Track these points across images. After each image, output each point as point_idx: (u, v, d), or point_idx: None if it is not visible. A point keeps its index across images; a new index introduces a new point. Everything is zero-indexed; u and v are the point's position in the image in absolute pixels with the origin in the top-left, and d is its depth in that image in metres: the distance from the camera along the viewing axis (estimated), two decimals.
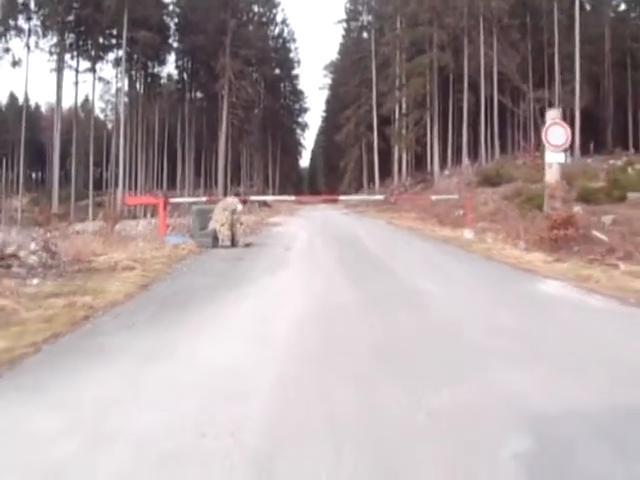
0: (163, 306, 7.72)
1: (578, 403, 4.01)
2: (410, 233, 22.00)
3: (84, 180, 70.32)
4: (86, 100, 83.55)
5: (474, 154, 52.46)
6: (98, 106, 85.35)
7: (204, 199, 23.88)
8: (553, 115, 14.96)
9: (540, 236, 13.19)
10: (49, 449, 3.37)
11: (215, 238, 15.48)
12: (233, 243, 15.56)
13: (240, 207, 16.14)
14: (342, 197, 46.50)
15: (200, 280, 10.19)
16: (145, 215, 30.14)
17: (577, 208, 17.56)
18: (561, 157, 14.28)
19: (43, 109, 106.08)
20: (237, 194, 23.39)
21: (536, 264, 11.18)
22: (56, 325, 6.55)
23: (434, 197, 30.69)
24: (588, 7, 65.13)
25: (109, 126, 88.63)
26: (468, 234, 17.23)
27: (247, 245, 16.00)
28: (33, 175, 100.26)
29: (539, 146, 28.96)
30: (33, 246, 11.34)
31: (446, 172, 47.69)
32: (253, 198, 29.27)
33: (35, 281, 8.94)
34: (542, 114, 40.96)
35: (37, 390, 4.39)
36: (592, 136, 66.76)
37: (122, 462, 3.19)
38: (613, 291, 8.23)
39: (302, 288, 9.39)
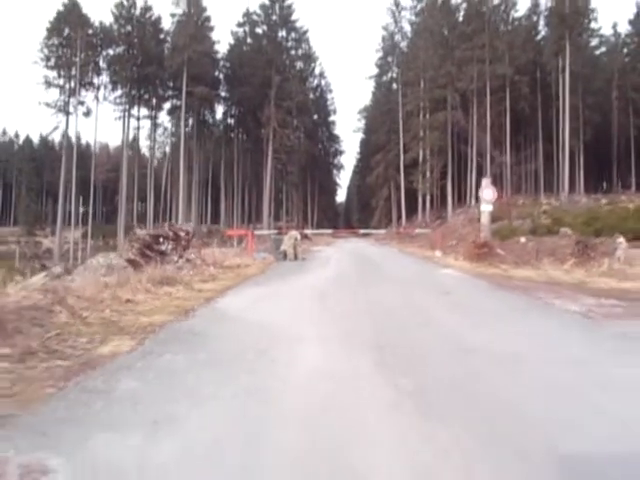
0: (276, 276, 18.90)
1: (410, 291, 14.92)
2: (406, 254, 33.59)
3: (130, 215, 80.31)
4: (134, 139, 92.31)
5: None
6: (145, 145, 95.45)
7: (276, 231, 34.97)
8: (486, 181, 26.00)
9: (471, 252, 23.89)
10: (271, 292, 14.33)
11: (285, 255, 26.86)
12: (295, 258, 26.91)
13: (299, 237, 27.73)
14: (361, 231, 58.23)
15: (286, 270, 21.36)
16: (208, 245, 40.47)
17: (523, 239, 28.07)
18: (490, 207, 25.02)
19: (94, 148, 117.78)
20: (279, 228, 35.22)
21: (456, 265, 22.15)
22: (239, 280, 17.63)
23: (417, 230, 42.54)
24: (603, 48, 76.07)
25: (154, 163, 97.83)
26: (438, 253, 28.39)
27: (303, 259, 27.50)
28: (80, 209, 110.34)
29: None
30: (192, 256, 22.18)
31: (458, 211, 58.25)
32: (305, 231, 40.40)
33: (211, 268, 19.83)
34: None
35: (258, 286, 15.41)
36: (602, 176, 76.80)
37: (290, 301, 14.12)
38: (473, 273, 19.00)
39: (335, 271, 20.67)
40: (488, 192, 25.01)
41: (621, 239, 20.89)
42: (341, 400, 5.18)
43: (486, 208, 24.94)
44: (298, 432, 4.36)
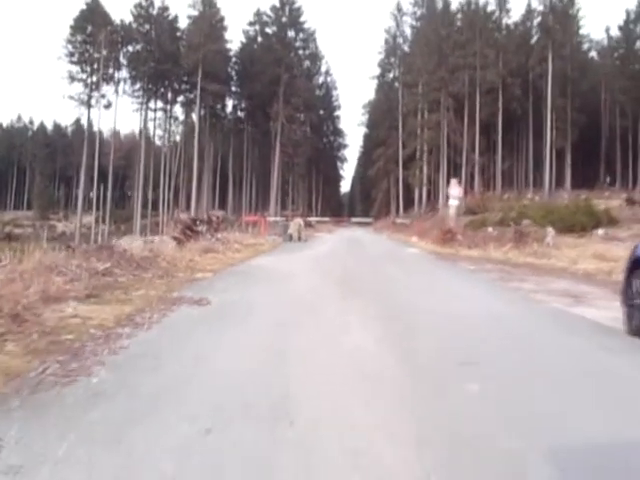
0: (284, 251, 26.02)
1: (367, 260, 21.86)
2: (391, 239, 40.56)
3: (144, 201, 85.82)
4: (145, 128, 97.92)
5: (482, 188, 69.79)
6: (156, 134, 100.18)
7: (283, 218, 42.03)
8: (453, 181, 32.79)
9: (438, 238, 30.64)
10: (282, 258, 21.26)
11: (290, 237, 33.72)
12: (299, 240, 33.76)
13: (303, 223, 34.61)
14: (354, 219, 65.54)
15: (292, 247, 28.41)
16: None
17: (490, 229, 34.77)
18: (456, 202, 31.80)
19: (105, 135, 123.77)
20: (286, 216, 42.36)
21: (423, 247, 29.01)
22: (257, 252, 24.71)
23: (398, 220, 49.28)
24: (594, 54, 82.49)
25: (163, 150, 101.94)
26: (414, 238, 35.06)
27: (306, 241, 34.31)
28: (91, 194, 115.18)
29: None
30: (220, 235, 28.97)
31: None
32: (309, 219, 47.59)
33: (236, 245, 26.65)
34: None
35: (272, 255, 22.35)
36: (590, 173, 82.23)
37: (296, 261, 21.05)
38: (430, 251, 25.85)
39: (328, 248, 27.59)
40: (455, 190, 31.82)
41: (550, 229, 27.56)
42: (316, 293, 12.07)
43: (453, 203, 31.74)
44: (301, 299, 11.22)
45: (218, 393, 4.82)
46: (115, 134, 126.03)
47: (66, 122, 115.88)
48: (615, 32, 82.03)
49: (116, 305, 9.09)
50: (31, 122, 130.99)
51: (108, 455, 3.49)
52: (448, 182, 72.46)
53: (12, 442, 3.61)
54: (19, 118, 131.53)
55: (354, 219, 71.71)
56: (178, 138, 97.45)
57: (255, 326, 7.92)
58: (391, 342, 6.89)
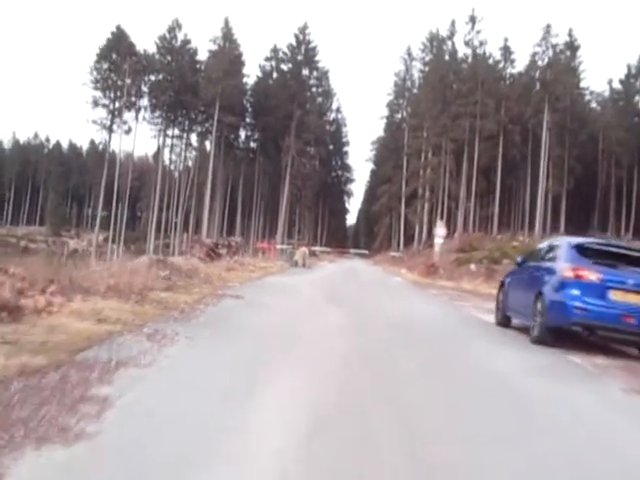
0: (291, 273, 31.90)
1: (353, 278, 27.60)
2: (384, 270, 46.06)
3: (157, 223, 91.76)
4: (157, 152, 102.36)
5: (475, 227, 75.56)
6: (169, 158, 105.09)
7: (290, 246, 47.79)
8: (440, 222, 38.61)
9: (423, 271, 36.24)
10: (288, 278, 27.00)
11: (296, 263, 39.43)
12: (303, 266, 39.41)
13: (307, 252, 40.26)
14: (352, 251, 70.91)
15: (297, 271, 34.12)
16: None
17: (472, 266, 40.27)
18: (441, 240, 37.46)
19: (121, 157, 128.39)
20: (292, 244, 48.31)
21: (408, 277, 34.69)
22: (269, 273, 30.39)
23: (392, 254, 54.81)
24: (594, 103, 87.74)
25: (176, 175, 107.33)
26: (403, 271, 40.68)
27: (309, 267, 39.90)
28: (103, 214, 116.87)
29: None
30: (236, 257, 34.61)
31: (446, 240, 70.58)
32: (313, 248, 53.42)
33: (250, 267, 32.31)
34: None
35: (280, 276, 28.10)
36: (585, 220, 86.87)
37: (301, 281, 26.78)
38: (412, 281, 31.54)
39: (327, 274, 33.24)
40: (440, 230, 37.47)
41: None
42: (315, 300, 17.77)
43: (438, 241, 37.39)
44: (303, 301, 16.93)
45: (264, 329, 10.60)
46: (127, 155, 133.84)
47: (81, 142, 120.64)
48: (617, 85, 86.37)
49: (186, 295, 14.73)
50: (47, 140, 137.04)
51: (225, 339, 9.20)
52: (449, 220, 78.72)
53: (183, 331, 9.22)
54: (36, 135, 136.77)
55: (353, 251, 77.71)
56: (190, 163, 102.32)
57: (275, 310, 13.73)
58: (356, 321, 12.63)
